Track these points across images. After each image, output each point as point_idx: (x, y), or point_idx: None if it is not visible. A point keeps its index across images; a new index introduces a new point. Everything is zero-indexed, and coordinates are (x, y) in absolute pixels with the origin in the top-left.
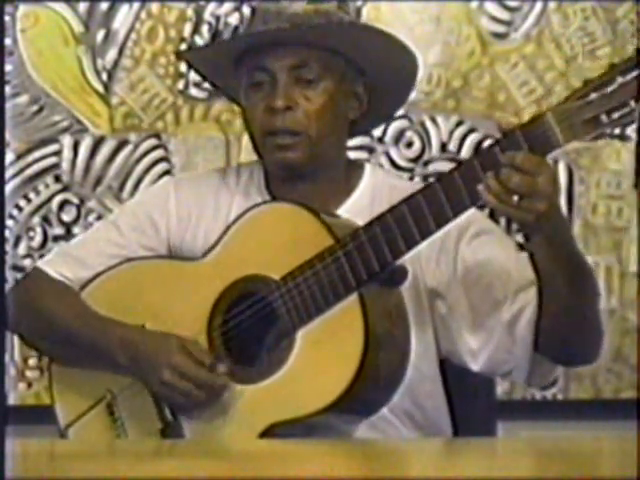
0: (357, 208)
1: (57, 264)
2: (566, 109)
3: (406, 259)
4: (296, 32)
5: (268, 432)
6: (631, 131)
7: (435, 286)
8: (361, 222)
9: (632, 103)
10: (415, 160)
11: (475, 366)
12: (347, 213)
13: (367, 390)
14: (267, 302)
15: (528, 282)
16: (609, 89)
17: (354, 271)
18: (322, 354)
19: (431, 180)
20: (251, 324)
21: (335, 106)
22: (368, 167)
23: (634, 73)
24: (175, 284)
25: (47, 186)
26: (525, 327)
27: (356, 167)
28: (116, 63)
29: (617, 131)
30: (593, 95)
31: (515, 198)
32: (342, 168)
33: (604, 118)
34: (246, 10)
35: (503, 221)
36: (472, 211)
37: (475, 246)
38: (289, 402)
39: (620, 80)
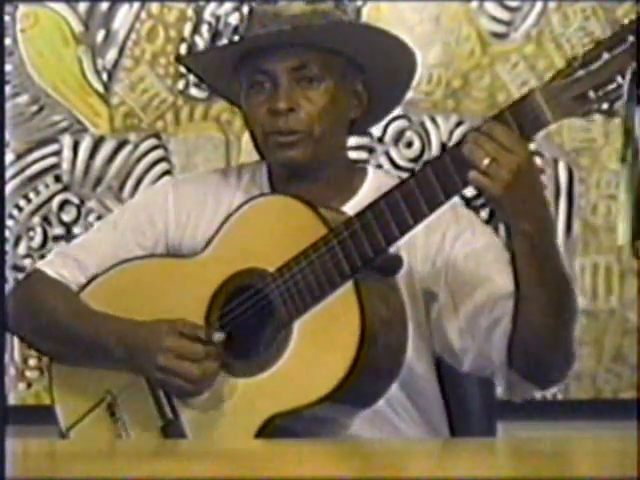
0: (361, 207)
1: (56, 265)
2: (554, 87)
3: (404, 257)
4: (296, 33)
5: (269, 424)
6: (619, 106)
7: (430, 287)
8: None
9: (619, 79)
10: (415, 160)
11: (461, 367)
12: (351, 212)
13: (364, 380)
14: (264, 294)
15: (509, 293)
16: (595, 65)
17: (348, 258)
18: (319, 344)
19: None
20: (248, 317)
21: (337, 105)
22: (371, 169)
23: (620, 49)
24: (172, 281)
25: (47, 186)
26: (501, 337)
27: (359, 169)
28: (116, 63)
29: (605, 107)
30: (580, 72)
31: (486, 161)
32: (343, 167)
33: (592, 94)
34: (246, 10)
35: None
36: (472, 216)
37: (468, 250)
38: (288, 393)
39: (606, 56)
